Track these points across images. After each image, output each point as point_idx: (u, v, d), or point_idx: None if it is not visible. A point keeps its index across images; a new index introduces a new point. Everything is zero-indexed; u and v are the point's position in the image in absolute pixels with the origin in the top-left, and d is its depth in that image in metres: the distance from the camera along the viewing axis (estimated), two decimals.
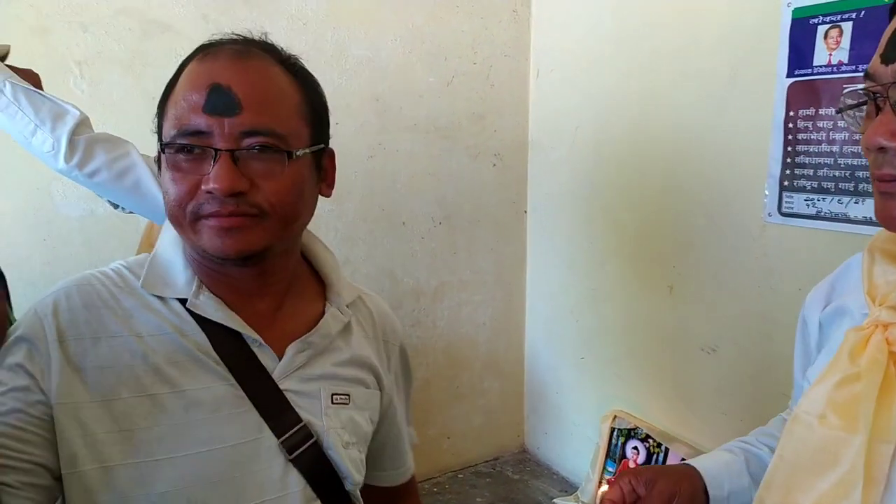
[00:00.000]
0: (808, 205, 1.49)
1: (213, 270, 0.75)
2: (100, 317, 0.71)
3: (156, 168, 1.13)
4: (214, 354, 0.72)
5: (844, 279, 0.80)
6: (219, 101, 0.66)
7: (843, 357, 0.69)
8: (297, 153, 0.70)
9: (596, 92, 2.10)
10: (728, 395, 1.78)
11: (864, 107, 0.68)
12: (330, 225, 2.12)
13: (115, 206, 1.47)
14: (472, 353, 2.52)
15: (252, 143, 0.67)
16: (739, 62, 1.64)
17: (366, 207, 2.17)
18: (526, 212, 2.49)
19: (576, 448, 2.37)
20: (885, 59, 0.63)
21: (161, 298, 0.74)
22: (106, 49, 1.78)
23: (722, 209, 1.73)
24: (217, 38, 0.73)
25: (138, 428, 0.68)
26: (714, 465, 0.88)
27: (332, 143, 0.80)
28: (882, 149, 0.63)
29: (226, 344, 0.73)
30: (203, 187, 0.66)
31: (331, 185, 0.80)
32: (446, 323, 2.44)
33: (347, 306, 0.83)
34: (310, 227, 0.82)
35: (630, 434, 2.04)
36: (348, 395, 0.80)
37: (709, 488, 0.85)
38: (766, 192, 1.58)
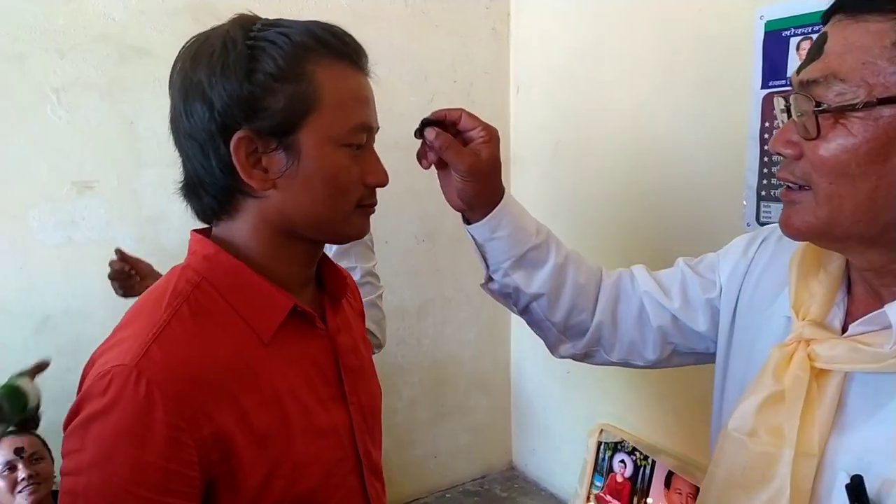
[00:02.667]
0: None
1: None
2: None
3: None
4: None
5: (769, 274, 0.80)
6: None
7: (767, 374, 0.71)
8: None
9: (576, 107, 2.12)
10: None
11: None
12: None
13: None
14: (457, 371, 2.51)
15: None
16: (715, 75, 1.67)
17: None
18: None
19: (564, 464, 2.35)
20: (798, 70, 0.65)
21: None
22: (83, 75, 1.76)
23: (702, 220, 1.75)
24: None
25: None
26: (522, 209, 0.96)
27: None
28: (782, 155, 0.66)
29: None
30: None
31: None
32: (431, 341, 2.43)
33: None
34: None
35: (617, 447, 2.04)
36: None
37: (500, 206, 0.91)
38: (745, 203, 1.60)
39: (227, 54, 0.68)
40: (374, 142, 0.78)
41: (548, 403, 2.45)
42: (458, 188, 0.89)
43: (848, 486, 0.60)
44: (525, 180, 2.40)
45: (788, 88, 1.45)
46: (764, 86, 1.52)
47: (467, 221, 0.94)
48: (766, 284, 0.81)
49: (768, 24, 1.50)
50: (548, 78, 2.22)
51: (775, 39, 1.49)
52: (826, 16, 0.64)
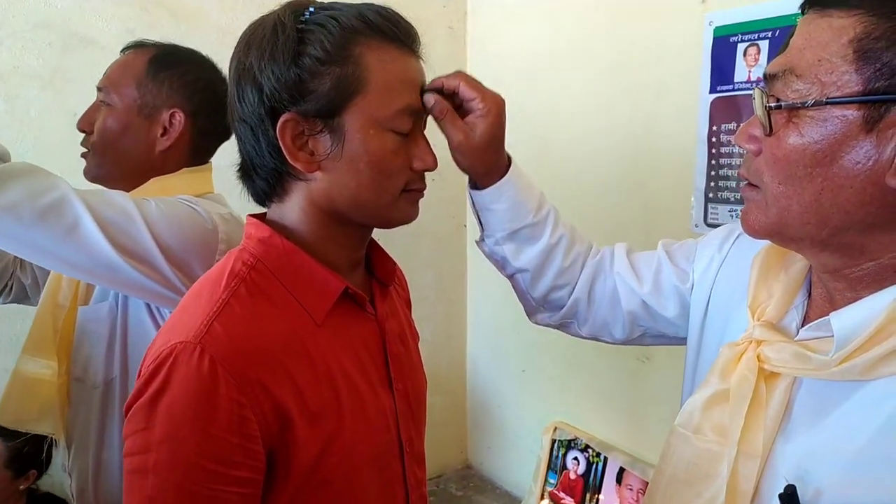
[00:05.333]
0: (732, 216, 1.56)
1: None
2: None
3: (100, 207, 0.95)
4: None
5: (741, 271, 0.78)
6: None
7: (715, 372, 0.70)
8: None
9: (532, 106, 2.14)
10: (662, 402, 1.83)
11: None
12: None
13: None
14: None
15: None
16: (666, 79, 1.70)
17: None
18: (465, 226, 2.50)
19: (519, 461, 2.37)
20: (767, 68, 0.64)
21: None
22: (23, 64, 1.69)
23: (653, 220, 1.78)
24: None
25: None
26: (527, 184, 0.95)
27: None
28: (744, 149, 0.65)
29: None
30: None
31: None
32: None
33: None
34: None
35: (570, 445, 2.06)
36: None
37: (503, 180, 0.91)
38: (693, 204, 1.64)
39: (276, 39, 0.69)
40: (424, 126, 0.78)
41: (503, 402, 2.47)
42: (453, 157, 0.88)
43: (781, 496, 0.59)
44: None
45: (736, 94, 1.50)
46: (712, 90, 1.56)
47: (473, 184, 0.94)
48: (736, 282, 0.79)
49: (717, 29, 1.54)
50: (504, 77, 2.23)
51: (723, 45, 1.53)
52: (801, 8, 0.62)
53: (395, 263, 0.90)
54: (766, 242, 0.74)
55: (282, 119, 0.70)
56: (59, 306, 1.13)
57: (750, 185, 0.65)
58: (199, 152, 1.18)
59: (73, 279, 1.12)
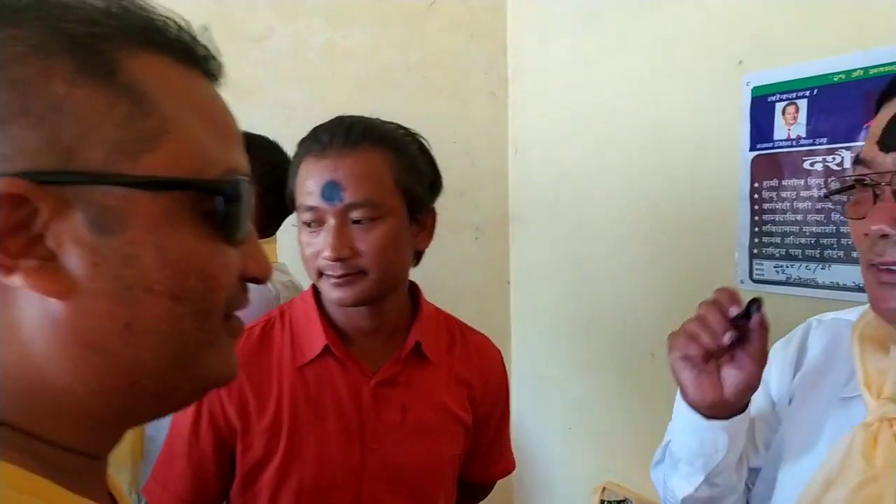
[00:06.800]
0: (777, 271, 1.55)
1: None
2: None
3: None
4: None
5: (808, 352, 0.81)
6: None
7: (855, 458, 0.67)
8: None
9: (572, 168, 2.19)
10: None
11: (851, 191, 0.70)
12: None
13: None
14: None
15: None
16: (705, 139, 1.73)
17: None
18: (509, 283, 2.53)
19: None
20: (885, 147, 0.64)
21: None
22: None
23: (697, 277, 1.78)
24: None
25: None
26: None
27: None
28: (885, 236, 0.64)
29: None
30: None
31: None
32: None
33: None
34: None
35: None
36: None
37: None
38: (738, 261, 1.64)
39: None
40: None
41: (550, 460, 2.43)
42: (745, 375, 0.78)
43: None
44: (524, 239, 2.45)
45: (776, 152, 1.51)
46: (752, 148, 1.58)
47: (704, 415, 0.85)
48: (813, 367, 0.81)
49: (754, 90, 1.57)
50: (545, 139, 2.30)
51: (761, 105, 1.56)
52: (883, 96, 0.65)
53: (419, 342, 1.01)
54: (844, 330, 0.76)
55: None
56: None
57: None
58: (266, 227, 1.32)
59: None
